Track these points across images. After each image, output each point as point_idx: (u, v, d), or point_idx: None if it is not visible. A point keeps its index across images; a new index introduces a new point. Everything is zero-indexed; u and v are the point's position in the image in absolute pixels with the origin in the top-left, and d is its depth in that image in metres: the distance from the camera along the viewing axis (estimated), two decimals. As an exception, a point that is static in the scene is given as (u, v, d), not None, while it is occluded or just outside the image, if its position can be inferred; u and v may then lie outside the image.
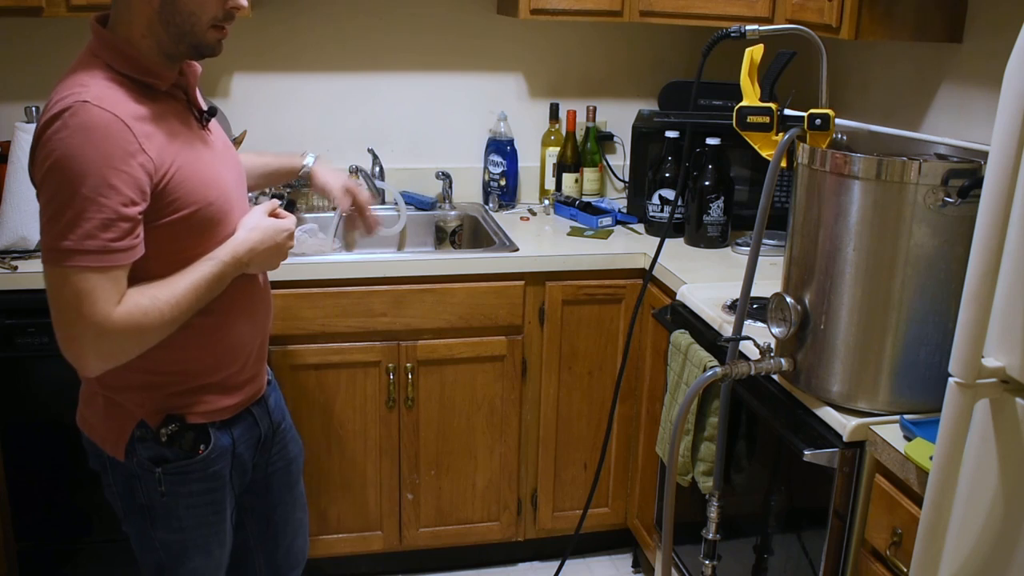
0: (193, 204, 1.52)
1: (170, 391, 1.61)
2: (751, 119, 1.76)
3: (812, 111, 1.71)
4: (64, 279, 1.40)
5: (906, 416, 1.61)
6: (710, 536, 1.97)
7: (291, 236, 1.70)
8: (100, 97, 1.41)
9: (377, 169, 3.01)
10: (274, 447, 1.83)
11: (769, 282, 2.07)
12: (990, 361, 1.24)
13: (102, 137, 1.39)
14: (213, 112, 1.64)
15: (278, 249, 1.67)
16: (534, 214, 3.04)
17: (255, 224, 1.64)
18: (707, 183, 2.67)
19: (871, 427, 1.63)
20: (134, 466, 1.62)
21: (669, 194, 2.76)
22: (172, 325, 1.51)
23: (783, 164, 1.73)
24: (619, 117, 3.16)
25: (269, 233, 1.65)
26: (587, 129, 3.09)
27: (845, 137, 1.79)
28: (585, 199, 3.05)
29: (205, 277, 1.54)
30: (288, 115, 2.99)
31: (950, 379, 1.25)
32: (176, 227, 1.51)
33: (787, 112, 1.76)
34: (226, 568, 1.80)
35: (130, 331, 1.45)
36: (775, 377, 1.84)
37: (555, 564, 2.65)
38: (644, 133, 2.91)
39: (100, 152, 1.38)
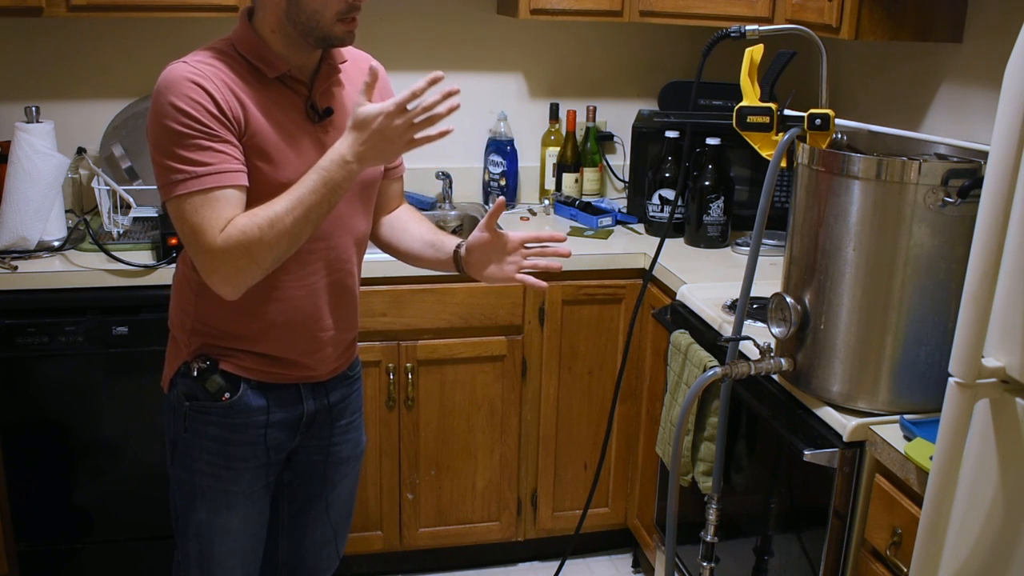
0: (261, 171, 1.58)
1: (210, 340, 1.70)
2: (751, 119, 1.76)
3: (812, 111, 1.71)
4: (176, 211, 1.53)
5: (906, 416, 1.61)
6: (708, 538, 1.97)
7: (394, 115, 1.47)
8: (197, 61, 1.56)
9: (377, 169, 3.01)
10: (324, 436, 1.85)
11: (769, 282, 2.06)
12: (990, 361, 1.24)
13: (183, 81, 1.51)
14: (328, 112, 1.67)
15: (381, 136, 1.49)
16: (534, 214, 3.03)
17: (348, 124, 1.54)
18: (707, 183, 2.67)
19: (871, 427, 1.63)
20: (172, 399, 1.75)
21: (669, 194, 2.76)
22: (283, 238, 1.52)
23: (783, 164, 1.73)
24: (619, 117, 3.16)
25: (363, 125, 1.51)
26: (587, 129, 3.09)
27: (845, 137, 1.79)
28: (585, 199, 3.04)
29: (307, 186, 1.52)
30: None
31: (950, 379, 1.25)
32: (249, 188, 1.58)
33: (787, 112, 1.76)
34: (248, 554, 1.81)
35: (234, 250, 1.51)
36: (775, 377, 1.84)
37: (555, 564, 2.65)
38: (644, 133, 2.91)
39: (178, 92, 1.50)
